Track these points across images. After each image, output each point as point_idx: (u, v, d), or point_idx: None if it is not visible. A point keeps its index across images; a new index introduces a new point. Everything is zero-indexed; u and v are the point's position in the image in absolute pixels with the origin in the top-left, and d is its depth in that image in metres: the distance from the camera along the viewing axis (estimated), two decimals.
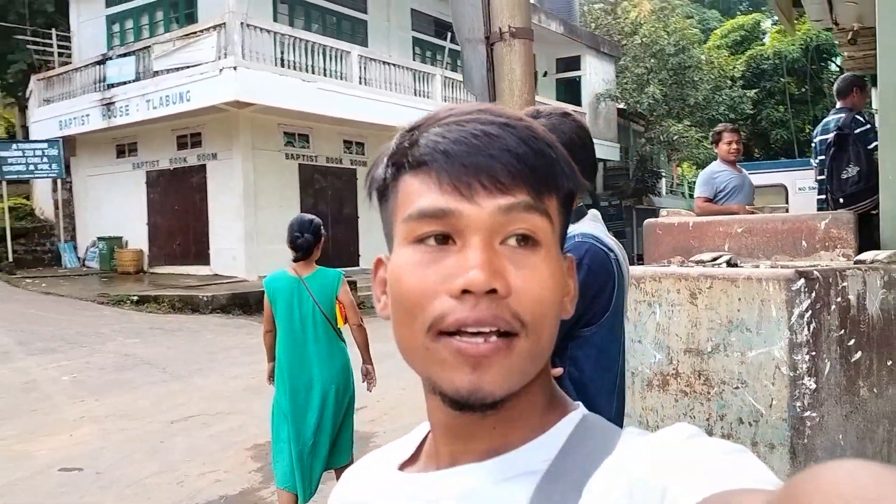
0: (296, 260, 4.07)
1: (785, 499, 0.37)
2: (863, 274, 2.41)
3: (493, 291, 0.57)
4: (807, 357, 2.37)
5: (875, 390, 2.49)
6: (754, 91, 26.86)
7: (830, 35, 26.26)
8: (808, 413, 2.38)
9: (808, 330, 2.38)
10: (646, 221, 3.84)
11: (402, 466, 0.71)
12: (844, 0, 5.97)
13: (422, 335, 0.59)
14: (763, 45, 31.26)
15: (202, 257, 16.40)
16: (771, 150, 29.40)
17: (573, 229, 1.87)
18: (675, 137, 24.03)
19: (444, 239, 0.60)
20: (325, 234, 4.20)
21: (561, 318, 0.63)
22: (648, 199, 28.94)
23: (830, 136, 5.27)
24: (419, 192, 0.60)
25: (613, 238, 1.92)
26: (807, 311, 2.36)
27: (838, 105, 5.49)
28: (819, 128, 5.67)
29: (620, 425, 1.96)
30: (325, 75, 15.74)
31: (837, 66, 27.80)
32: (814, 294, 2.37)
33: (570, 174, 0.63)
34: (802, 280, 2.37)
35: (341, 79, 16.13)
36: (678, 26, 25.29)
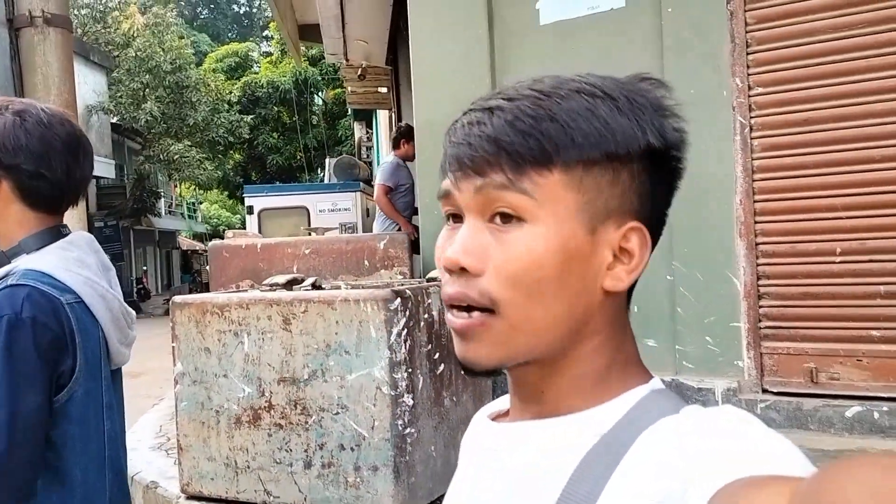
0: None
1: (814, 494, 0.36)
2: (440, 291, 2.56)
3: (465, 270, 0.60)
4: (405, 374, 2.43)
5: (454, 398, 2.68)
6: (251, 117, 27.96)
7: (317, 70, 28.88)
8: (408, 430, 2.43)
9: (405, 348, 2.43)
10: (211, 244, 3.55)
11: (503, 414, 0.73)
12: (356, 39, 6.52)
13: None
14: (256, 73, 32.80)
15: None
16: (267, 174, 30.89)
17: (24, 262, 1.39)
18: (176, 157, 23.52)
19: (460, 218, 0.64)
20: None
21: (610, 290, 0.62)
22: (148, 220, 27.75)
23: None
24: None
25: (87, 271, 1.44)
26: (403, 329, 2.42)
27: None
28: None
29: (120, 501, 1.56)
30: None
31: (322, 100, 30.65)
32: (408, 312, 2.44)
33: (578, 143, 0.59)
34: (399, 300, 2.42)
35: None
36: (174, 44, 24.87)
